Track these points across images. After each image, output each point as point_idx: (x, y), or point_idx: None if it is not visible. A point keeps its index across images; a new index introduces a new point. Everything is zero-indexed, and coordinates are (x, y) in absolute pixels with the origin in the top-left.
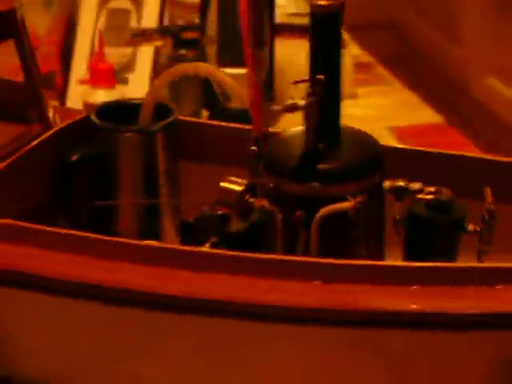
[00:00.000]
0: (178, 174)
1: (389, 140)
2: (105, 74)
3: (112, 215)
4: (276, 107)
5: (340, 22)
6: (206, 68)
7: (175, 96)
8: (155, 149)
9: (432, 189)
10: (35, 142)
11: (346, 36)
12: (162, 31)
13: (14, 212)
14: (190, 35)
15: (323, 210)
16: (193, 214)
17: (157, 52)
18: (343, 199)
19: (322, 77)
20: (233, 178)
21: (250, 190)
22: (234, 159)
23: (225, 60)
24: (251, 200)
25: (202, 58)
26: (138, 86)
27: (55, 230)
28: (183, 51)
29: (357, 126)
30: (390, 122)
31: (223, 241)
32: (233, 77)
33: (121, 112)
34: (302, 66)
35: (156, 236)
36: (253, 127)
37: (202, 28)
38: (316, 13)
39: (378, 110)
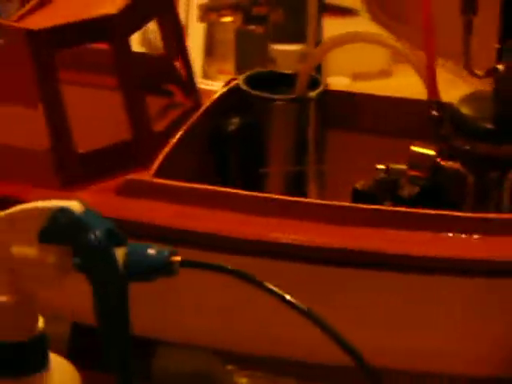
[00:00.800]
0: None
1: None
2: None
3: (262, 183)
4: (479, 72)
5: None
6: (372, 36)
7: (241, 58)
8: (309, 117)
9: None
10: (197, 114)
11: None
12: (232, 6)
13: None
14: (260, 10)
15: None
16: (340, 184)
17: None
18: None
19: None
20: (421, 143)
21: (440, 153)
22: (382, 128)
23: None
24: (443, 163)
25: (271, 33)
26: None
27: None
28: (252, 27)
29: None
30: None
31: (398, 204)
32: (288, 53)
33: (265, 82)
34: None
35: None
36: (429, 93)
37: (272, 3)
38: None
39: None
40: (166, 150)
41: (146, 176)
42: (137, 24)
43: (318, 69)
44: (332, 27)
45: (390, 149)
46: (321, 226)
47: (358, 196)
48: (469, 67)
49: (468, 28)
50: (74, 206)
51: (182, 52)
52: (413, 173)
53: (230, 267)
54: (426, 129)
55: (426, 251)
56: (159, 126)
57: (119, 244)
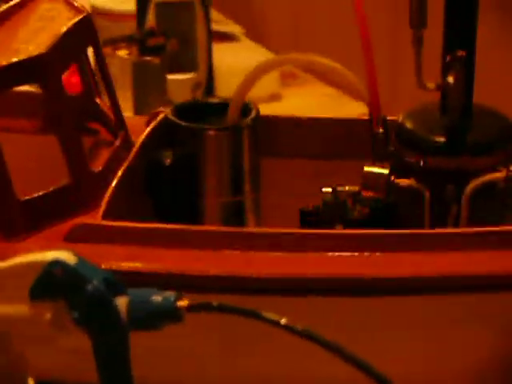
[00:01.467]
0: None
1: None
2: None
3: (197, 215)
4: (430, 85)
5: None
6: (303, 59)
7: (139, 90)
8: (243, 145)
9: None
10: (133, 152)
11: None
12: (127, 39)
13: None
14: (155, 41)
15: (475, 182)
16: (275, 210)
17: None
18: (491, 170)
19: (463, 53)
20: (372, 163)
21: (392, 171)
22: (311, 151)
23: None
24: (397, 181)
25: (167, 63)
26: None
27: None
28: (149, 58)
29: None
30: None
31: (349, 227)
32: (181, 83)
33: (194, 112)
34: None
35: None
36: (371, 110)
37: (166, 33)
38: None
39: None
40: (110, 190)
41: (95, 219)
42: (68, 62)
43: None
44: (218, 53)
45: (325, 171)
46: (276, 254)
47: (306, 220)
48: (420, 81)
49: (418, 41)
50: (67, 256)
51: (108, 87)
52: (367, 194)
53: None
54: (361, 147)
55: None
56: (95, 166)
57: (119, 293)
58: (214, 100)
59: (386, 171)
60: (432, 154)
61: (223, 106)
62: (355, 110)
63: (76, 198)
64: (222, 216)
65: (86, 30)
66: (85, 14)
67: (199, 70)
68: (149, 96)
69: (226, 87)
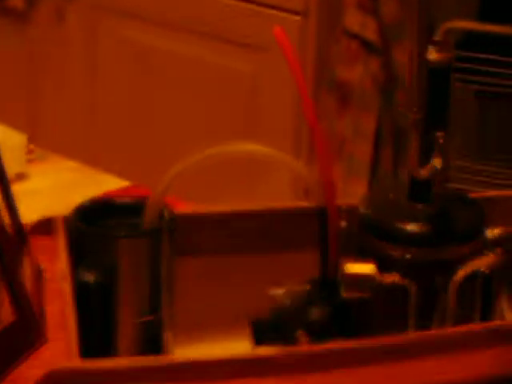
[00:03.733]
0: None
1: None
2: None
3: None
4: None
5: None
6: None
7: None
8: (161, 250)
9: None
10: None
11: None
12: None
13: None
14: None
15: (464, 270)
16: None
17: None
18: (477, 257)
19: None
20: (352, 261)
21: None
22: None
23: None
24: (382, 278)
25: None
26: None
27: None
28: None
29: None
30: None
31: (311, 332)
32: None
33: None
34: None
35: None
36: (328, 202)
37: None
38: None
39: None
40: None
41: (72, 362)
42: None
43: None
44: None
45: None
46: None
47: (259, 327)
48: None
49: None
50: None
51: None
52: (350, 295)
53: None
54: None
55: None
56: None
57: None
58: (118, 200)
59: (370, 270)
60: (418, 247)
61: (126, 207)
62: (117, 184)
63: (24, 336)
64: (137, 333)
65: None
66: None
67: None
68: None
69: None
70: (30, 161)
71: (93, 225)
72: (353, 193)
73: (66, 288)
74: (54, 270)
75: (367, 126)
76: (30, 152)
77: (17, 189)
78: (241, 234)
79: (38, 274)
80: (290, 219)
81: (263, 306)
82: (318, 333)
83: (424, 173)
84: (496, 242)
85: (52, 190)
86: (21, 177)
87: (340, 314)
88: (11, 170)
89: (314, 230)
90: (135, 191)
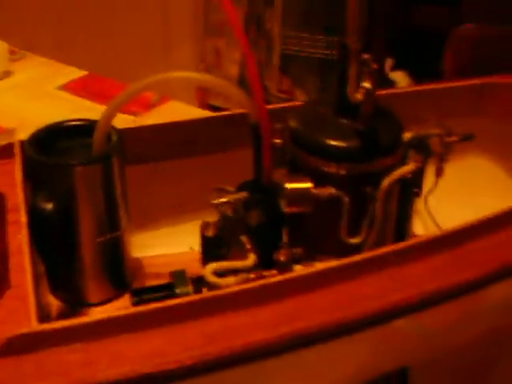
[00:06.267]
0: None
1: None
2: None
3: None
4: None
5: None
6: (177, 75)
7: None
8: (113, 172)
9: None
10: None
11: None
12: None
13: None
14: None
15: (390, 179)
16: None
17: None
18: (397, 167)
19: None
20: (291, 177)
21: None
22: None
23: None
24: (317, 191)
25: None
26: None
27: None
28: None
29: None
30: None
31: (250, 231)
32: None
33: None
34: None
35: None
36: (261, 120)
37: None
38: None
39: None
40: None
41: (32, 326)
42: None
43: None
44: None
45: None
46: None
47: (209, 244)
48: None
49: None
50: None
51: None
52: (293, 210)
53: None
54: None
55: None
56: None
57: None
58: (71, 123)
59: (309, 185)
60: (350, 162)
61: (78, 127)
62: (79, 73)
63: None
64: (100, 256)
65: None
66: None
67: None
68: None
69: None
70: (14, 60)
71: (48, 149)
72: None
73: (22, 221)
74: (14, 198)
75: None
76: (13, 53)
77: (5, 85)
78: (176, 142)
79: (1, 205)
80: (218, 126)
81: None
82: (258, 235)
83: (359, 96)
84: (410, 146)
85: (30, 82)
86: (7, 74)
87: (276, 217)
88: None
89: (241, 133)
90: (93, 79)
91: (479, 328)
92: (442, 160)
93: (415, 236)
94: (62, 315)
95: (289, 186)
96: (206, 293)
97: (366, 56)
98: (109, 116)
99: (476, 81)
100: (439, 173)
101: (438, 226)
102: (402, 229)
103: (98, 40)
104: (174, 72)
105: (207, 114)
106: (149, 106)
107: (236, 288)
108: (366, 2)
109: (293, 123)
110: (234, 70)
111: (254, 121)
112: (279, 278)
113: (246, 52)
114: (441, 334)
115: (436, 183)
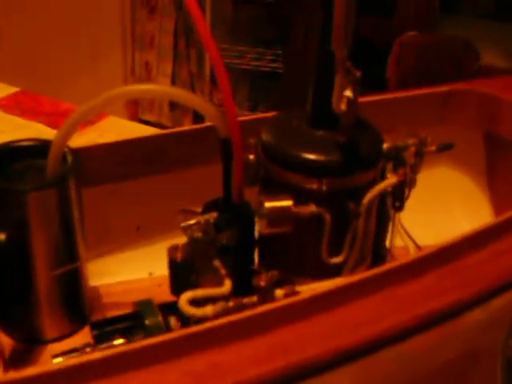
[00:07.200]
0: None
1: None
2: None
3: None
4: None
5: None
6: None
7: None
8: (70, 197)
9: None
10: None
11: None
12: None
13: None
14: None
15: (372, 193)
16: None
17: None
18: (378, 181)
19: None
20: (268, 195)
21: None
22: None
23: None
24: (298, 210)
25: None
26: None
27: None
28: None
29: None
30: None
31: (223, 254)
32: None
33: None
34: None
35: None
36: (234, 137)
37: None
38: None
39: None
40: None
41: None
42: None
43: None
44: None
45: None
46: None
47: (178, 269)
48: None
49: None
50: None
51: None
52: (272, 231)
53: None
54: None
55: None
56: None
57: None
58: (18, 143)
59: (289, 203)
60: (331, 177)
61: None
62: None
63: None
64: (56, 288)
65: None
66: None
67: None
68: None
69: None
70: None
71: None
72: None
73: None
74: None
75: None
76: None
77: None
78: (133, 160)
79: None
80: (181, 142)
81: (167, 221)
82: (232, 258)
83: (342, 106)
84: (387, 157)
85: None
86: None
87: (249, 238)
88: None
89: (206, 149)
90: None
91: (456, 350)
92: (414, 171)
93: (390, 250)
94: (16, 355)
95: (268, 204)
96: (188, 328)
97: (348, 64)
98: (65, 135)
99: (441, 88)
100: (411, 184)
101: (410, 237)
102: (379, 245)
103: (25, 54)
104: (133, 86)
105: (156, 130)
106: (85, 123)
107: (220, 322)
108: (352, 8)
109: (266, 137)
110: (165, 84)
111: (223, 135)
112: (265, 307)
113: (216, 62)
114: (423, 358)
115: (408, 195)
